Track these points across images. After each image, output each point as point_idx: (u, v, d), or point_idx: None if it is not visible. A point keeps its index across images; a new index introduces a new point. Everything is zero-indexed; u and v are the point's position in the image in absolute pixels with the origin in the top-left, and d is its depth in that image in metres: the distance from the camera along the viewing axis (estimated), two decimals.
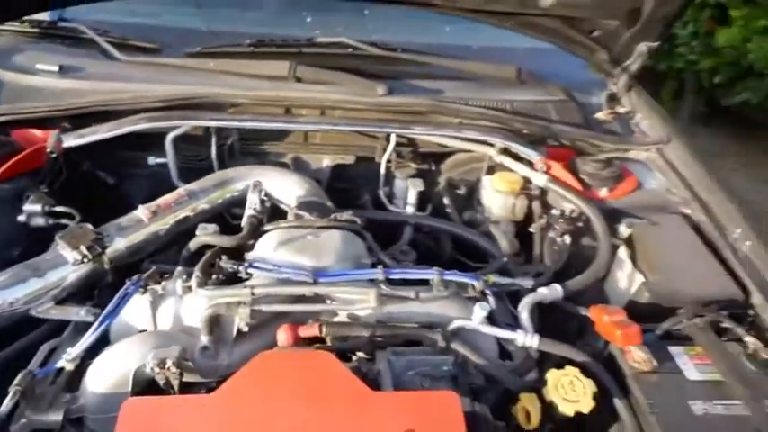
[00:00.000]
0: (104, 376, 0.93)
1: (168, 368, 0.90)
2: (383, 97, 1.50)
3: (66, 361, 0.94)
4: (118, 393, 0.91)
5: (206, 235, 1.17)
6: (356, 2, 1.61)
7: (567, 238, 1.36)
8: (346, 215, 1.24)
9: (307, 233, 1.16)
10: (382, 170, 1.58)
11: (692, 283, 1.22)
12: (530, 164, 1.49)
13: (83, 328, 1.02)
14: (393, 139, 1.54)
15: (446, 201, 1.56)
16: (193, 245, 1.19)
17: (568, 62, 1.75)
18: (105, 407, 0.91)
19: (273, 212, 1.33)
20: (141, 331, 1.03)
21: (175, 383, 0.92)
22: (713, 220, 1.37)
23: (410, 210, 1.51)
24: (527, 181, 1.48)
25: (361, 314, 1.05)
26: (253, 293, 0.99)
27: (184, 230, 1.29)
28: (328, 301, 1.07)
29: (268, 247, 1.13)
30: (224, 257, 1.10)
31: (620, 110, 1.72)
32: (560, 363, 1.04)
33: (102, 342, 1.01)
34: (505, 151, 1.52)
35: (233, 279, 1.08)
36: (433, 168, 1.64)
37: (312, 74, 1.54)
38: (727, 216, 1.35)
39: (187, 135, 1.44)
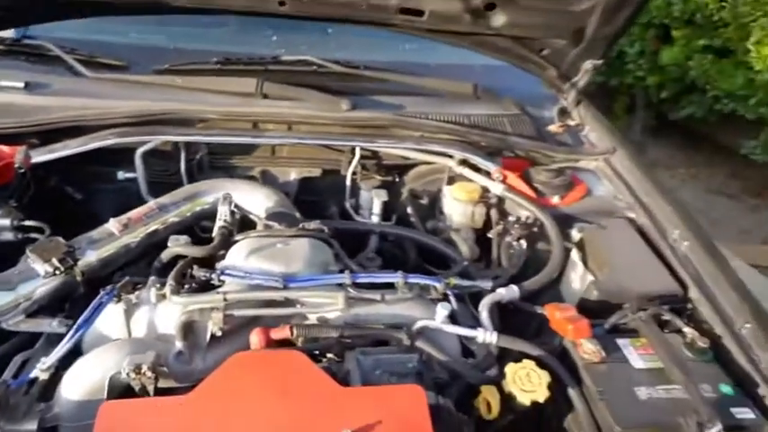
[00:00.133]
0: (79, 384, 0.95)
1: (144, 373, 0.93)
2: (347, 112, 1.57)
3: (41, 371, 0.96)
4: (93, 401, 0.92)
5: (178, 246, 1.20)
6: (320, 21, 1.68)
7: (523, 243, 1.44)
8: (314, 224, 1.29)
9: (276, 242, 1.21)
10: (348, 182, 1.64)
11: (636, 280, 1.31)
12: (487, 174, 1.58)
13: (55, 339, 1.04)
14: (358, 152, 1.60)
15: (410, 210, 1.62)
16: (165, 255, 1.22)
17: (522, 78, 1.86)
18: (80, 414, 0.93)
19: (243, 224, 1.37)
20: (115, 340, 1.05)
21: (150, 389, 0.94)
22: (655, 223, 1.47)
23: (375, 219, 1.57)
24: (485, 190, 1.57)
25: (329, 317, 1.10)
26: (225, 299, 1.03)
27: (155, 243, 1.31)
28: (298, 306, 1.12)
29: (239, 256, 1.17)
30: (196, 267, 1.13)
31: (571, 123, 1.84)
32: (518, 358, 1.11)
33: (75, 353, 1.03)
34: (464, 162, 1.60)
35: (205, 287, 1.11)
36: (397, 180, 1.71)
37: (278, 90, 1.60)
38: (666, 219, 1.46)
39: (156, 150, 1.47)
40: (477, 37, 1.62)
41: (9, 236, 1.19)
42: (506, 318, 1.27)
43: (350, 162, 1.62)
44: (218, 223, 1.27)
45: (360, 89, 1.69)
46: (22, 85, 1.49)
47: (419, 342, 1.08)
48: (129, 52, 1.70)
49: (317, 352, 1.06)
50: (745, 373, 1.14)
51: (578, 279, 1.37)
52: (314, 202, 1.64)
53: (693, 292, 1.31)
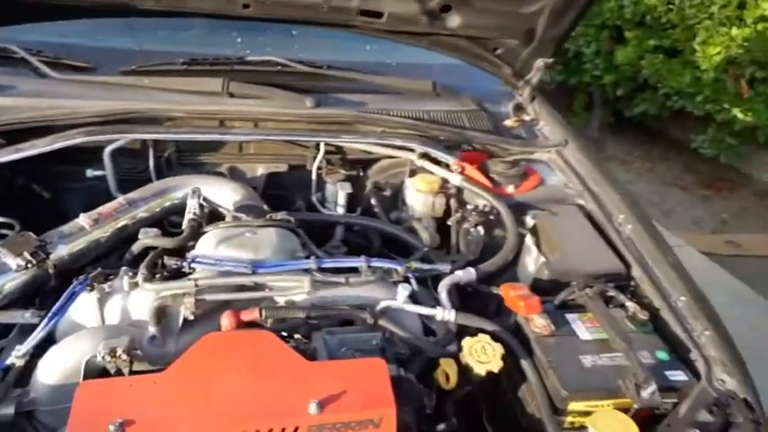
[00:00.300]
0: (55, 369, 0.99)
1: (119, 357, 0.97)
2: (312, 109, 1.62)
3: (16, 357, 0.99)
4: (69, 384, 0.95)
5: (148, 237, 1.25)
6: (283, 23, 1.73)
7: (481, 229, 1.53)
8: (281, 215, 1.35)
9: (245, 231, 1.26)
10: (314, 177, 1.70)
11: (584, 261, 1.41)
12: (447, 166, 1.66)
13: (28, 330, 1.06)
14: (322, 147, 1.66)
15: (374, 202, 1.69)
16: (136, 247, 1.26)
17: (480, 77, 1.95)
18: (56, 398, 0.97)
19: (212, 217, 1.42)
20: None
21: (126, 371, 0.98)
22: (602, 209, 1.58)
23: (341, 211, 1.64)
24: (445, 181, 1.65)
25: (297, 299, 1.16)
26: (197, 285, 1.09)
27: (124, 238, 1.35)
28: (267, 290, 1.18)
29: (209, 245, 1.22)
30: (167, 256, 1.18)
31: (526, 117, 1.95)
32: (475, 335, 1.19)
33: (48, 342, 1.06)
34: (425, 156, 1.68)
35: (176, 276, 1.16)
36: (361, 174, 1.78)
37: (244, 89, 1.64)
38: (613, 205, 1.57)
39: (125, 148, 1.51)
40: (435, 37, 1.71)
41: None
42: (467, 301, 1.35)
43: (315, 157, 1.68)
44: (188, 216, 1.31)
45: (323, 88, 1.76)
46: None
47: (382, 321, 1.16)
48: (96, 54, 1.72)
49: (286, 333, 1.12)
50: (680, 341, 1.25)
51: (532, 262, 1.46)
52: (281, 196, 1.69)
53: (636, 271, 1.41)
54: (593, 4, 1.70)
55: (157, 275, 1.14)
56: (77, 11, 1.57)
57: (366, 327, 1.15)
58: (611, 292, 1.34)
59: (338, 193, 1.64)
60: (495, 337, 1.18)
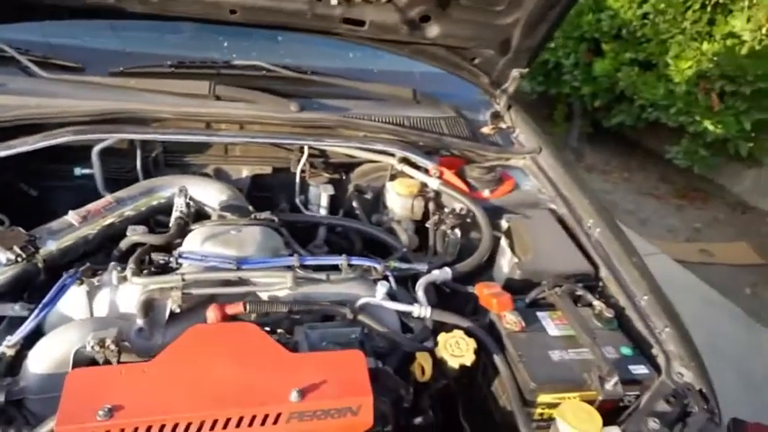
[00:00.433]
0: (45, 358, 1.02)
1: (108, 347, 1.01)
2: (296, 114, 1.67)
3: (7, 347, 1.02)
4: (58, 374, 0.99)
5: (136, 234, 1.29)
6: (268, 29, 1.79)
7: (458, 232, 1.59)
8: (265, 215, 1.40)
9: (230, 229, 1.31)
10: (297, 179, 1.74)
11: (554, 262, 1.48)
12: (426, 171, 1.72)
13: (17, 322, 1.09)
14: (306, 150, 1.71)
15: (355, 204, 1.75)
16: (124, 244, 1.29)
17: (460, 85, 2.03)
18: (46, 387, 1.00)
19: (198, 216, 1.45)
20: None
21: (114, 362, 1.02)
22: (573, 213, 1.65)
23: (323, 212, 1.70)
24: (423, 185, 1.70)
25: (280, 294, 1.21)
26: (184, 279, 1.13)
27: (111, 235, 1.38)
28: (251, 286, 1.22)
29: (195, 242, 1.26)
30: (154, 252, 1.22)
31: (502, 125, 2.02)
32: (450, 331, 1.25)
33: (37, 335, 1.10)
34: (405, 160, 1.74)
35: (164, 271, 1.20)
36: (343, 177, 1.83)
37: (230, 92, 1.69)
38: (583, 209, 1.65)
39: (113, 148, 1.54)
40: (415, 46, 1.78)
41: None
42: (446, 301, 1.40)
43: (299, 160, 1.73)
44: (175, 214, 1.35)
45: (308, 93, 1.80)
46: None
47: (361, 316, 1.21)
48: (84, 55, 1.75)
49: (269, 327, 1.16)
50: (643, 337, 1.33)
51: (507, 263, 1.53)
52: (265, 198, 1.74)
53: (603, 272, 1.49)
54: (564, 18, 1.78)
55: (145, 271, 1.18)
56: (67, 12, 1.61)
57: (346, 322, 1.20)
58: (580, 292, 1.40)
59: (321, 196, 1.70)
60: (468, 332, 1.24)
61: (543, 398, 1.16)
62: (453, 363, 1.18)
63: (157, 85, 1.67)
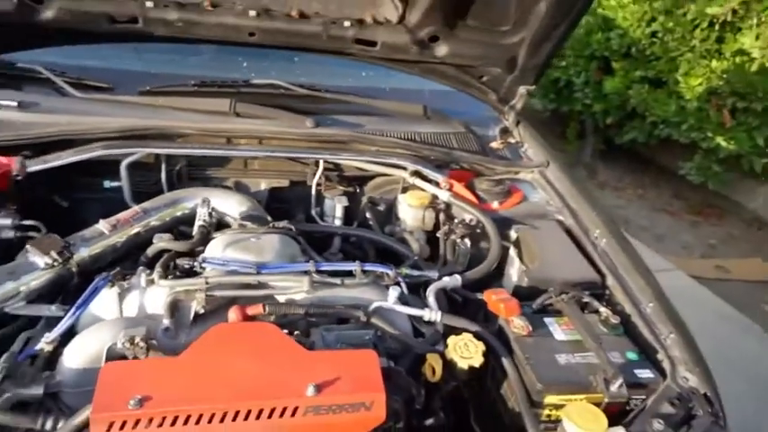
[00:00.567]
0: (80, 354, 1.09)
1: (137, 344, 1.08)
2: (312, 129, 1.75)
3: (45, 344, 1.10)
4: (92, 369, 1.05)
5: (163, 241, 1.37)
6: (286, 50, 1.89)
7: (467, 241, 1.65)
8: (283, 224, 1.48)
9: (250, 237, 1.38)
10: (313, 192, 1.82)
11: (561, 270, 1.53)
12: (436, 183, 1.78)
13: (54, 322, 1.17)
14: (321, 164, 1.79)
15: (368, 216, 1.81)
16: (151, 250, 1.37)
17: (471, 103, 2.10)
18: (80, 381, 1.07)
19: (219, 225, 1.53)
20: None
21: (142, 358, 1.09)
22: (579, 224, 1.70)
23: (338, 223, 1.77)
24: (434, 197, 1.77)
25: (297, 298, 1.28)
26: (207, 282, 1.20)
27: (138, 244, 1.46)
28: (270, 289, 1.29)
29: (217, 248, 1.34)
30: (179, 258, 1.30)
31: (511, 140, 2.09)
32: (460, 335, 1.31)
33: (72, 334, 1.17)
34: (416, 174, 1.80)
35: (188, 275, 1.28)
36: (357, 190, 1.90)
37: (250, 109, 1.78)
38: (589, 221, 1.70)
39: (140, 162, 1.63)
40: (425, 65, 1.86)
41: (10, 234, 1.33)
42: (458, 310, 1.44)
43: (315, 174, 1.80)
44: (198, 223, 1.43)
45: (323, 110, 1.89)
46: (15, 103, 1.63)
47: (374, 319, 1.26)
48: (114, 76, 1.86)
49: (286, 329, 1.22)
50: (648, 342, 1.36)
51: (515, 272, 1.58)
52: (283, 209, 1.81)
53: (610, 280, 1.53)
54: (569, 37, 1.85)
55: (171, 275, 1.26)
56: (97, 36, 1.72)
57: (359, 324, 1.26)
58: (586, 299, 1.44)
59: (336, 207, 1.77)
60: (477, 335, 1.28)
61: (550, 399, 1.20)
62: (462, 364, 1.22)
63: (181, 104, 1.76)
